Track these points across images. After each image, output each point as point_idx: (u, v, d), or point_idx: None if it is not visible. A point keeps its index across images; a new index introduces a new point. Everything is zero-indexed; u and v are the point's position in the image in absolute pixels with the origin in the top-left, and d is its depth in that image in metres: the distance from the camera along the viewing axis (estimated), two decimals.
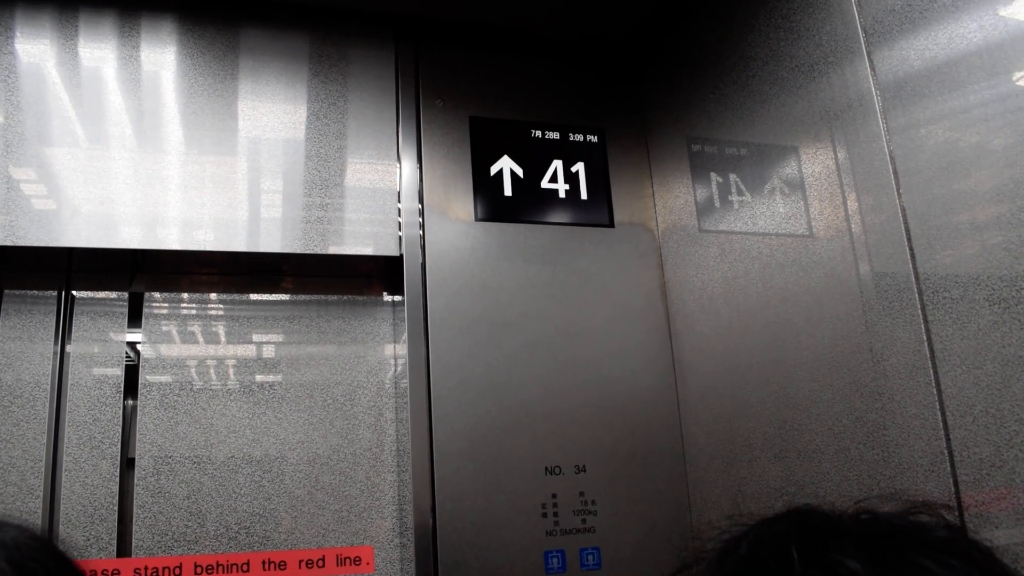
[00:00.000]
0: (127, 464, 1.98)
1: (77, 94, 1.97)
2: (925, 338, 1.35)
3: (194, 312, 2.14)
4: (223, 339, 2.13)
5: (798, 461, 1.66)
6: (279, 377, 2.12)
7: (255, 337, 2.15)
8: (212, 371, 2.09)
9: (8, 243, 1.83)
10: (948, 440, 1.30)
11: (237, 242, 1.97)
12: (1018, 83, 1.20)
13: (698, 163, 2.05)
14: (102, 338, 2.04)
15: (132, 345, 2.08)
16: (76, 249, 1.90)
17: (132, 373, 2.04)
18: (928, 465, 1.33)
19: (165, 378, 2.04)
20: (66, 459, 1.92)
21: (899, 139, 1.41)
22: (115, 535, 1.90)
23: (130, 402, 2.03)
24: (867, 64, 1.48)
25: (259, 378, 2.10)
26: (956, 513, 1.27)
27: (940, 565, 0.63)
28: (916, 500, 0.75)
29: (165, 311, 2.11)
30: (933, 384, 1.33)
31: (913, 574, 0.63)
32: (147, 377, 2.03)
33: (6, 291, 2.01)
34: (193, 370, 2.07)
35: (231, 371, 2.10)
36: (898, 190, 1.41)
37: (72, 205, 1.89)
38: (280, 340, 2.16)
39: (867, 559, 0.63)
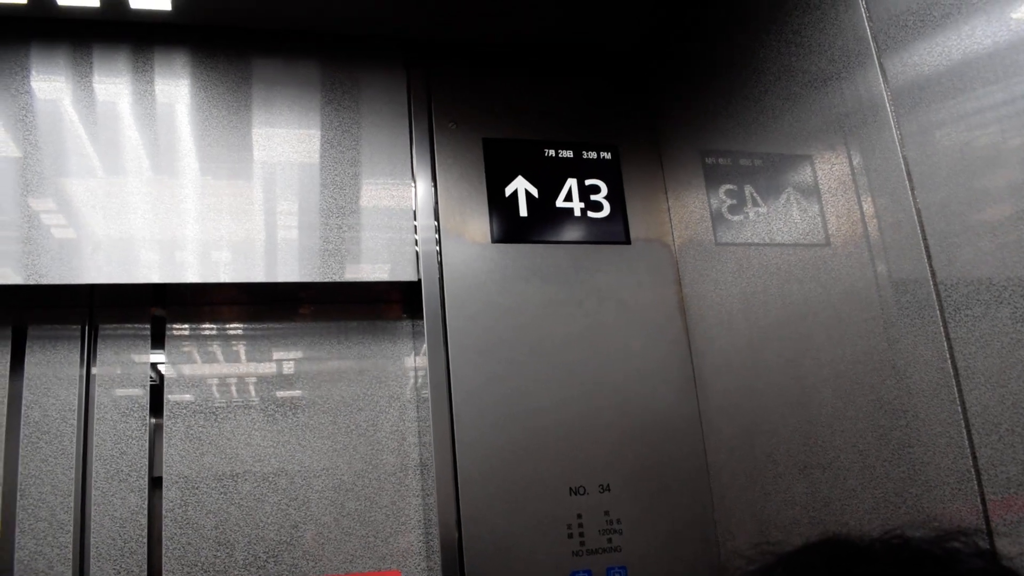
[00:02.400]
0: (153, 492, 1.99)
1: (93, 130, 1.99)
2: (948, 355, 1.34)
3: (216, 341, 2.15)
4: (244, 369, 2.14)
5: (823, 478, 1.65)
6: (302, 404, 2.13)
7: (276, 365, 2.16)
8: (235, 398, 2.10)
9: (31, 282, 1.85)
10: (975, 459, 1.29)
11: (256, 273, 1.98)
12: None
13: (712, 177, 2.05)
14: (128, 378, 2.05)
15: (155, 366, 2.10)
16: (98, 285, 1.92)
17: (157, 401, 2.06)
18: (955, 483, 1.32)
19: (189, 407, 2.06)
20: (95, 493, 1.94)
21: (913, 145, 1.41)
22: (145, 567, 1.92)
23: (155, 423, 2.04)
24: (879, 72, 1.47)
25: (282, 405, 2.12)
26: (985, 534, 1.26)
27: None
28: (949, 528, 0.73)
29: (187, 342, 2.13)
30: (958, 402, 1.32)
31: None
32: (172, 404, 2.05)
33: (31, 327, 2.03)
34: (216, 395, 2.09)
35: (254, 399, 2.11)
36: (914, 197, 1.40)
37: (93, 241, 1.91)
38: (301, 367, 2.18)
39: None
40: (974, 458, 1.29)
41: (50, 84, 2.00)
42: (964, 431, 1.31)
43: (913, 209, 1.40)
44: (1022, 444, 1.21)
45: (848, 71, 1.55)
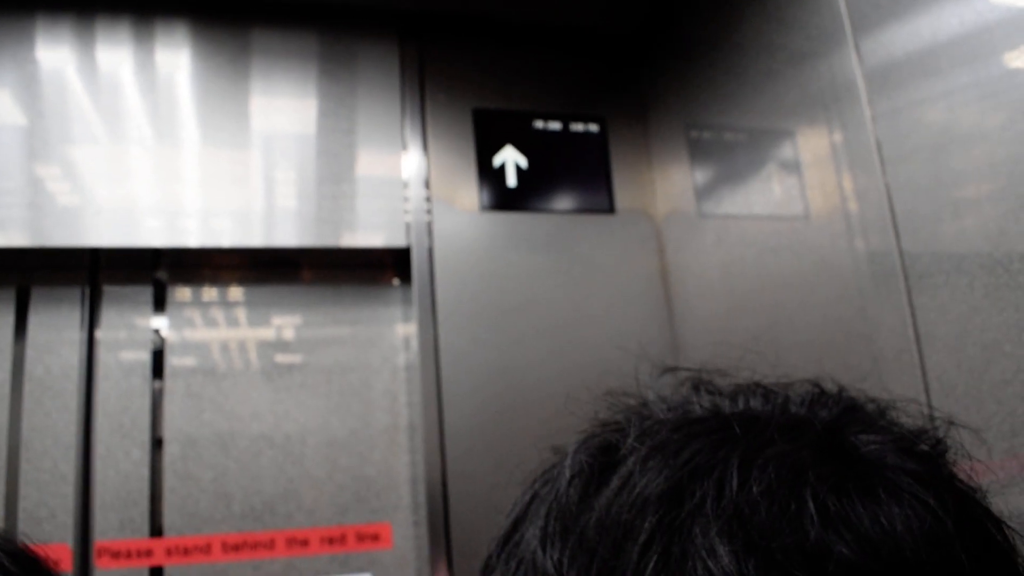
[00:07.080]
0: (155, 448, 2.07)
1: (96, 99, 2.04)
2: (911, 321, 1.40)
3: (215, 305, 2.22)
4: (243, 332, 2.21)
5: None
6: (298, 366, 2.20)
7: (272, 329, 2.23)
8: (234, 360, 2.17)
9: (36, 244, 1.92)
10: (931, 420, 1.35)
11: (254, 237, 2.05)
12: (1001, 66, 1.24)
13: (696, 151, 2.10)
14: (129, 339, 2.12)
15: (155, 329, 2.16)
16: (101, 249, 1.99)
17: (158, 360, 2.13)
18: None
19: (189, 367, 2.13)
20: (99, 447, 2.02)
21: (884, 124, 1.46)
22: (147, 517, 2.00)
23: (156, 381, 2.11)
24: (853, 51, 1.52)
25: (278, 367, 2.19)
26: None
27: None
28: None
29: (187, 306, 2.20)
30: (918, 366, 1.38)
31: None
32: (173, 364, 2.12)
33: (34, 288, 2.10)
34: (215, 357, 2.16)
35: (252, 361, 2.18)
36: (883, 174, 1.45)
37: (95, 206, 1.97)
38: (297, 330, 2.25)
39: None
40: (930, 419, 1.36)
41: (55, 53, 2.05)
42: (923, 393, 1.37)
43: (883, 184, 1.46)
44: (976, 406, 1.28)
45: (824, 49, 1.60)
